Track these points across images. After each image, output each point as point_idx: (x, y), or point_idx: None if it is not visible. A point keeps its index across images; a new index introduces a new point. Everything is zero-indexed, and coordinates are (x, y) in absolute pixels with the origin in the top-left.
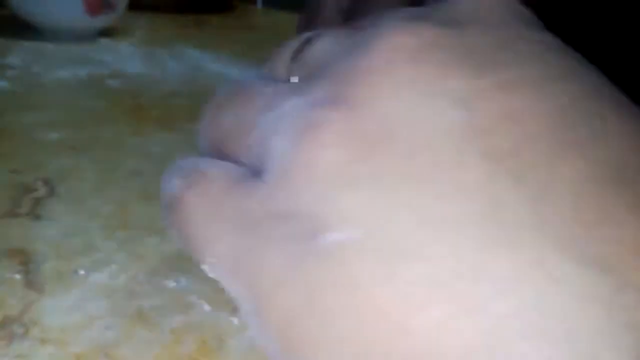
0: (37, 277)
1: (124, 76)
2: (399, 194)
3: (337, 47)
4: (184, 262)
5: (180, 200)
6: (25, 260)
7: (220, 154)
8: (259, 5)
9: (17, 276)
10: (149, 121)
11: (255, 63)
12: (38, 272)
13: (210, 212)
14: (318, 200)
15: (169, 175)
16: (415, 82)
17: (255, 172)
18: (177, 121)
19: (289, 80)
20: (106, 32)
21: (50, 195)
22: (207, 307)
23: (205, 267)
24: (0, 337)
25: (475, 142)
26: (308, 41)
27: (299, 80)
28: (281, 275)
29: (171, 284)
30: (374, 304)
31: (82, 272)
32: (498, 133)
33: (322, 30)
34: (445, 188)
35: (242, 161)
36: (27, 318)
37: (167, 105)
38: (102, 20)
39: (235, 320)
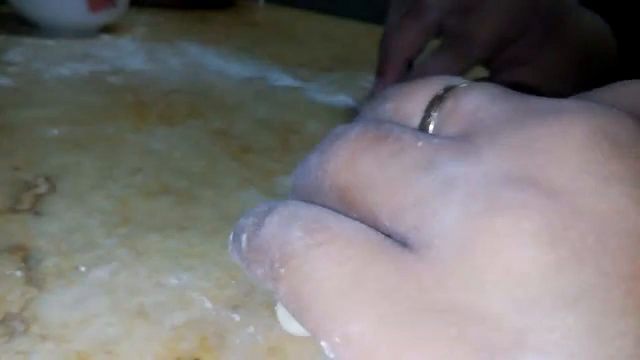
0: (38, 273)
1: (125, 73)
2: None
3: (499, 110)
4: (185, 259)
5: (302, 258)
6: (26, 256)
7: (346, 205)
8: (261, 1)
9: (18, 273)
10: (150, 118)
11: (257, 60)
12: (39, 269)
13: (347, 283)
14: (517, 312)
15: (262, 215)
16: (624, 179)
17: (399, 240)
18: (179, 118)
19: (425, 129)
20: (108, 29)
21: (51, 191)
22: (208, 304)
23: (324, 344)
24: (1, 334)
25: None
26: (449, 90)
27: (451, 136)
28: None
29: (172, 280)
30: None
31: (83, 268)
32: None
33: (460, 78)
34: None
35: (379, 222)
36: (28, 315)
37: (168, 102)
38: (103, 17)
39: (236, 317)
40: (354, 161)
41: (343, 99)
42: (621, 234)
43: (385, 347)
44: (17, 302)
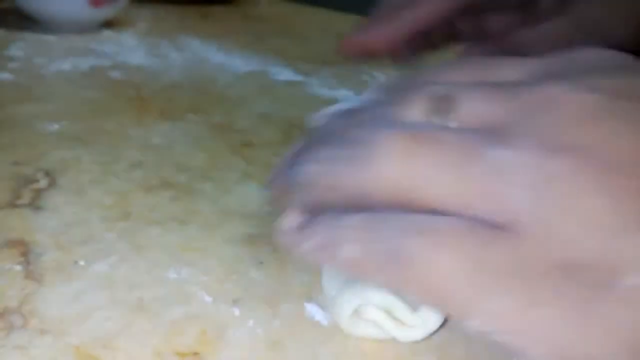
0: (37, 267)
1: (126, 68)
2: None
3: (501, 108)
4: (185, 253)
5: (426, 258)
6: (25, 251)
7: (400, 205)
8: None
9: (17, 267)
10: (151, 112)
11: (259, 54)
12: (38, 263)
13: (472, 269)
14: (603, 249)
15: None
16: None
17: (484, 224)
18: (179, 112)
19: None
20: (109, 24)
21: (51, 186)
22: (207, 298)
23: (471, 323)
24: (0, 328)
25: None
26: (447, 98)
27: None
28: (582, 323)
29: (172, 274)
30: None
31: (82, 262)
32: None
33: (451, 85)
34: None
35: (450, 213)
36: (27, 309)
37: (169, 97)
38: (104, 12)
39: (236, 311)
40: (406, 164)
41: (344, 93)
42: None
43: (531, 310)
44: (16, 296)
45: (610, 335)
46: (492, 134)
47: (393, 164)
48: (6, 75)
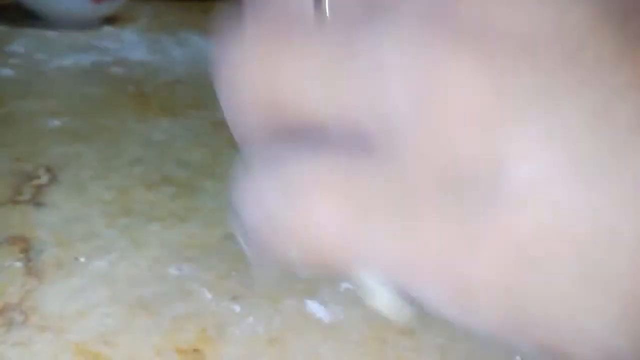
0: (38, 264)
1: (127, 64)
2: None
3: None
4: (185, 250)
5: (297, 215)
6: (25, 247)
7: (276, 123)
8: None
9: (18, 264)
10: (152, 108)
11: None
12: (38, 260)
13: (342, 211)
14: (482, 148)
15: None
16: None
17: (356, 143)
18: (181, 108)
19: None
20: (110, 20)
21: (52, 182)
22: (208, 295)
23: (361, 278)
24: (0, 324)
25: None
26: None
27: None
28: (473, 244)
29: (173, 271)
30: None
31: (82, 259)
32: None
33: None
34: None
35: (322, 130)
36: (27, 305)
37: (170, 93)
38: (106, 8)
39: (236, 308)
40: (272, 70)
41: None
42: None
43: (409, 246)
44: (16, 292)
45: (503, 249)
46: (371, 8)
47: (254, 70)
48: (7, 71)
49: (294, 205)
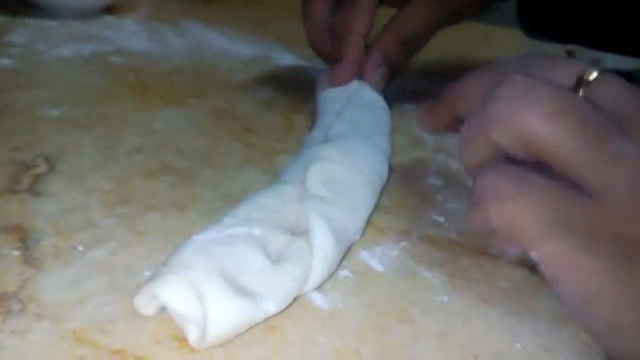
0: (36, 253)
1: (127, 53)
2: None
3: (630, 102)
4: (185, 239)
5: (512, 203)
6: (24, 236)
7: (528, 151)
8: None
9: (16, 252)
10: (153, 98)
11: (261, 39)
12: (37, 249)
13: (545, 216)
14: None
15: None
16: None
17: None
18: (181, 98)
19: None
20: (110, 10)
21: (50, 171)
22: None
23: (533, 254)
24: None
25: None
26: (581, 81)
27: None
28: (613, 282)
29: None
30: None
31: (81, 248)
32: None
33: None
34: None
35: (558, 171)
36: (25, 294)
37: (171, 82)
38: None
39: None
40: (549, 119)
41: None
42: None
43: (569, 257)
44: (14, 281)
45: (635, 302)
46: (619, 124)
47: (536, 116)
48: (7, 61)
49: (516, 195)
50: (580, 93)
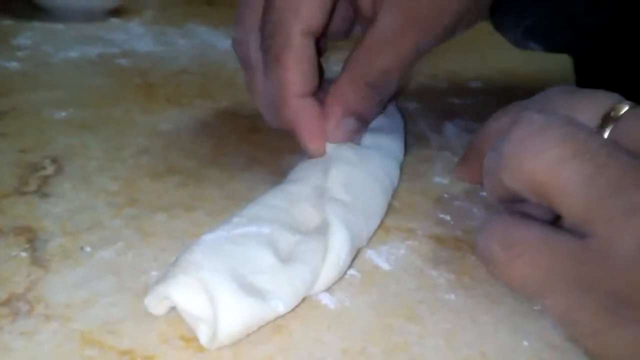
0: (43, 254)
1: (133, 55)
2: None
3: None
4: (191, 239)
5: (503, 266)
6: (31, 237)
7: (536, 195)
8: None
9: (23, 254)
10: (159, 99)
11: None
12: (44, 250)
13: (540, 280)
14: None
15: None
16: None
17: (577, 234)
18: (187, 98)
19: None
20: (116, 12)
21: (58, 173)
22: None
23: (536, 307)
24: (5, 314)
25: None
26: (608, 118)
27: (633, 155)
28: (605, 333)
29: None
30: None
31: (88, 249)
32: None
33: (620, 97)
34: None
35: (564, 219)
36: (33, 295)
37: (177, 84)
38: (112, 0)
39: None
40: (557, 166)
41: None
42: None
43: (567, 308)
44: (22, 282)
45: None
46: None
47: (544, 161)
48: (14, 64)
49: (506, 258)
50: (607, 131)
